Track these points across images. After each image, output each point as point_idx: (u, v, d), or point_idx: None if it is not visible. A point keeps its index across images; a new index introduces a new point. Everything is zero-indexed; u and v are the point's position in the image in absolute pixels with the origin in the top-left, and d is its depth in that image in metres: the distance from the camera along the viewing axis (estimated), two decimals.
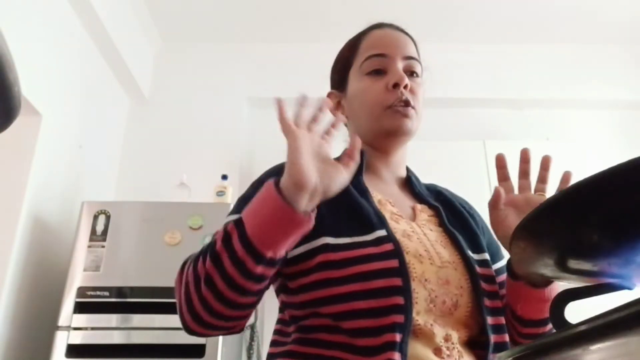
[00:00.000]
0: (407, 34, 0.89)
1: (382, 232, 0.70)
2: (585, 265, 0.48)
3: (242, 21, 3.11)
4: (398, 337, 0.63)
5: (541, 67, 3.28)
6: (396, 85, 0.80)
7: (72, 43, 2.46)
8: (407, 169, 0.92)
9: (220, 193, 2.62)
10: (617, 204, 0.39)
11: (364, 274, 0.65)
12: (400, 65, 0.83)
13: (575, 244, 0.46)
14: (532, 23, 3.13)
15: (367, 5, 2.75)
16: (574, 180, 0.65)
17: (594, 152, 2.73)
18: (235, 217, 0.67)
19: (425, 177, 0.97)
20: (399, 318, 0.64)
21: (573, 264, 0.48)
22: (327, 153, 0.65)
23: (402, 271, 0.66)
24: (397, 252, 0.68)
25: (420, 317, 0.66)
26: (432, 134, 3.15)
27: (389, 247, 0.69)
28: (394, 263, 0.67)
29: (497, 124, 3.19)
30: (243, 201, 0.76)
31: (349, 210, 0.74)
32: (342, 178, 0.62)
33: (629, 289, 0.49)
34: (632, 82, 3.22)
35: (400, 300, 0.65)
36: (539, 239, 0.47)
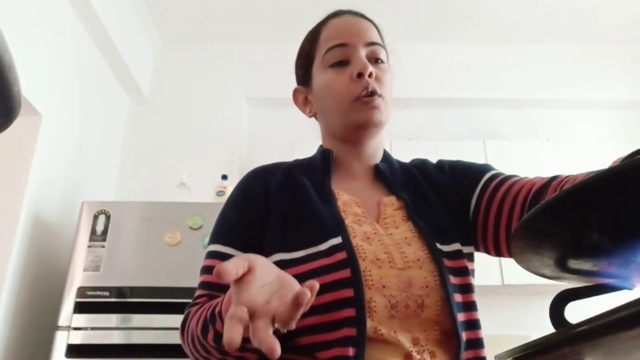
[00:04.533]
0: (368, 18, 0.86)
1: (336, 240, 0.68)
2: (585, 265, 0.48)
3: (242, 21, 3.10)
4: (351, 351, 0.61)
5: (541, 67, 3.28)
6: (360, 75, 0.77)
7: (72, 43, 2.46)
8: (383, 155, 0.88)
9: (220, 193, 2.61)
10: (617, 204, 0.39)
11: None
12: (362, 53, 0.79)
13: (575, 244, 0.46)
14: (533, 23, 3.13)
15: (367, 6, 2.74)
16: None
17: (593, 152, 2.73)
18: (219, 250, 0.74)
19: None
20: (351, 331, 0.62)
21: (573, 264, 0.48)
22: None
23: (355, 281, 0.64)
24: (350, 260, 0.66)
25: (382, 327, 0.64)
26: (432, 134, 3.17)
27: (341, 256, 0.67)
28: (345, 273, 0.65)
29: (497, 124, 3.19)
30: (223, 222, 0.78)
31: (307, 219, 0.73)
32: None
33: (629, 289, 0.49)
34: (632, 82, 3.22)
35: (351, 312, 0.63)
36: (539, 239, 0.47)
